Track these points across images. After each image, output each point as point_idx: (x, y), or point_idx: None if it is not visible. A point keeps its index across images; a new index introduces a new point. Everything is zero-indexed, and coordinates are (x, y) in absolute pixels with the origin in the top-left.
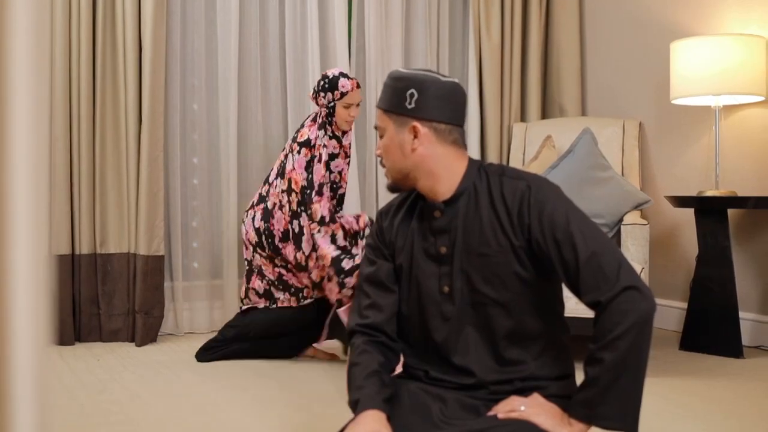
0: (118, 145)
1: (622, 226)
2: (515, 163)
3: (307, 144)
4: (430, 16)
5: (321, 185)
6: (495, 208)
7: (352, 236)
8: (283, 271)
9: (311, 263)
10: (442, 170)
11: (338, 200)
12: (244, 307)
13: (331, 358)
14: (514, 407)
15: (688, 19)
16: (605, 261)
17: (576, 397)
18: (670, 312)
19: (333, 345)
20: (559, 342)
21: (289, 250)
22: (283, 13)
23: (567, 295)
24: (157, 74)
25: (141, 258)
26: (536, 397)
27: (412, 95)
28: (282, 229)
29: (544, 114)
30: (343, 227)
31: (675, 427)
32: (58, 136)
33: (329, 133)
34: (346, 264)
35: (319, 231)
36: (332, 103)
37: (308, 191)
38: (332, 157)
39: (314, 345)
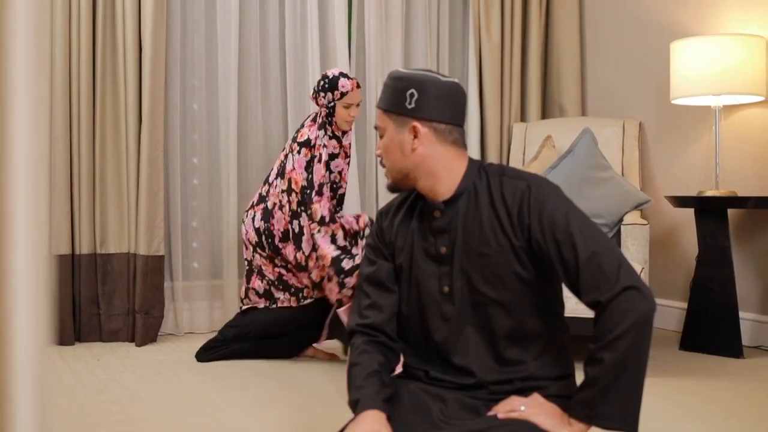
0: (118, 145)
1: (622, 226)
2: (515, 163)
3: (307, 144)
4: (430, 16)
5: (321, 185)
6: (495, 208)
7: (352, 236)
8: (283, 271)
9: (311, 263)
10: (442, 170)
11: (338, 200)
12: (244, 307)
13: (331, 358)
14: (514, 407)
15: (688, 19)
16: (605, 261)
17: (576, 397)
18: (670, 312)
19: (333, 345)
20: (559, 342)
21: (289, 250)
22: (283, 13)
23: (567, 295)
24: (157, 74)
25: (141, 258)
26: (536, 397)
27: (412, 95)
28: (282, 229)
29: (544, 114)
30: (343, 227)
31: (675, 427)
32: (58, 136)
33: (329, 133)
34: (346, 264)
35: (319, 231)
36: (332, 103)
37: (308, 191)
38: (332, 157)
39: (314, 345)
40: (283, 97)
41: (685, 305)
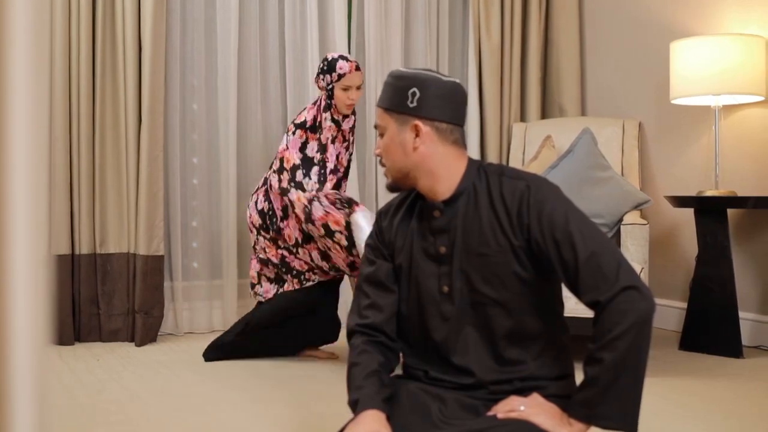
0: (117, 145)
1: (621, 226)
2: (515, 163)
3: (302, 126)
4: (430, 15)
5: (319, 166)
6: (494, 208)
7: (346, 201)
8: (286, 253)
9: (315, 231)
10: (443, 170)
11: (335, 184)
12: (259, 299)
13: (331, 358)
14: (514, 407)
15: (687, 19)
16: (604, 261)
17: (575, 397)
18: (669, 312)
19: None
20: (558, 342)
21: (290, 227)
22: (282, 12)
23: (567, 295)
24: (157, 73)
25: (141, 258)
26: (536, 397)
27: (414, 94)
28: (281, 207)
29: (544, 114)
30: (330, 198)
31: (675, 427)
32: (58, 136)
33: (329, 116)
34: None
35: (317, 200)
36: (331, 85)
37: (299, 171)
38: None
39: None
40: (282, 96)
41: (684, 305)
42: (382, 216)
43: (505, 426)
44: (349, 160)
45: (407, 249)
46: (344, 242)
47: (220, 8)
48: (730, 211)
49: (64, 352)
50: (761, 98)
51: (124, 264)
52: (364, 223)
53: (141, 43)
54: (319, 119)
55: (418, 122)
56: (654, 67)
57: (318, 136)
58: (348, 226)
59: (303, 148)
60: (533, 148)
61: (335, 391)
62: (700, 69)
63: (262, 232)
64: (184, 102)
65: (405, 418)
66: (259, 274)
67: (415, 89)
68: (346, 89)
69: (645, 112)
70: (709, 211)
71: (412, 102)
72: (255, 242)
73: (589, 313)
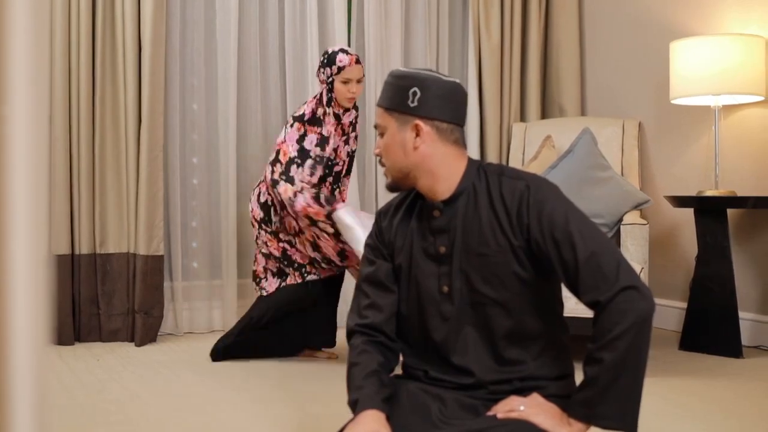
0: (117, 145)
1: (621, 226)
2: (515, 163)
3: (300, 119)
4: (430, 16)
5: (314, 159)
6: (494, 208)
7: (326, 200)
8: (287, 246)
9: (302, 224)
10: (443, 170)
11: (334, 177)
12: (261, 293)
13: (331, 358)
14: (514, 407)
15: (687, 19)
16: (604, 261)
17: (575, 397)
18: (669, 312)
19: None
20: (558, 342)
21: (290, 216)
22: (282, 12)
23: (566, 295)
24: (157, 74)
25: (140, 258)
26: (535, 397)
27: (414, 93)
28: (279, 198)
29: (544, 114)
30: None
31: (675, 427)
32: (57, 136)
33: (330, 110)
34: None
35: (301, 192)
36: (331, 78)
37: (293, 164)
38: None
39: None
40: (282, 96)
41: (684, 305)
42: (381, 216)
43: (504, 426)
44: (351, 156)
45: (407, 249)
46: (330, 230)
47: (220, 9)
48: (729, 211)
49: (64, 352)
50: (761, 98)
51: (124, 264)
52: (349, 220)
53: (141, 43)
54: (318, 112)
55: (419, 122)
56: (654, 67)
57: (318, 129)
58: (329, 216)
59: (300, 140)
60: (533, 148)
61: (335, 391)
62: (699, 69)
63: (264, 226)
64: (183, 102)
65: (405, 418)
66: (265, 269)
67: (415, 89)
68: (346, 82)
69: (645, 112)
70: (709, 211)
71: (412, 102)
72: (257, 236)
73: (589, 313)
